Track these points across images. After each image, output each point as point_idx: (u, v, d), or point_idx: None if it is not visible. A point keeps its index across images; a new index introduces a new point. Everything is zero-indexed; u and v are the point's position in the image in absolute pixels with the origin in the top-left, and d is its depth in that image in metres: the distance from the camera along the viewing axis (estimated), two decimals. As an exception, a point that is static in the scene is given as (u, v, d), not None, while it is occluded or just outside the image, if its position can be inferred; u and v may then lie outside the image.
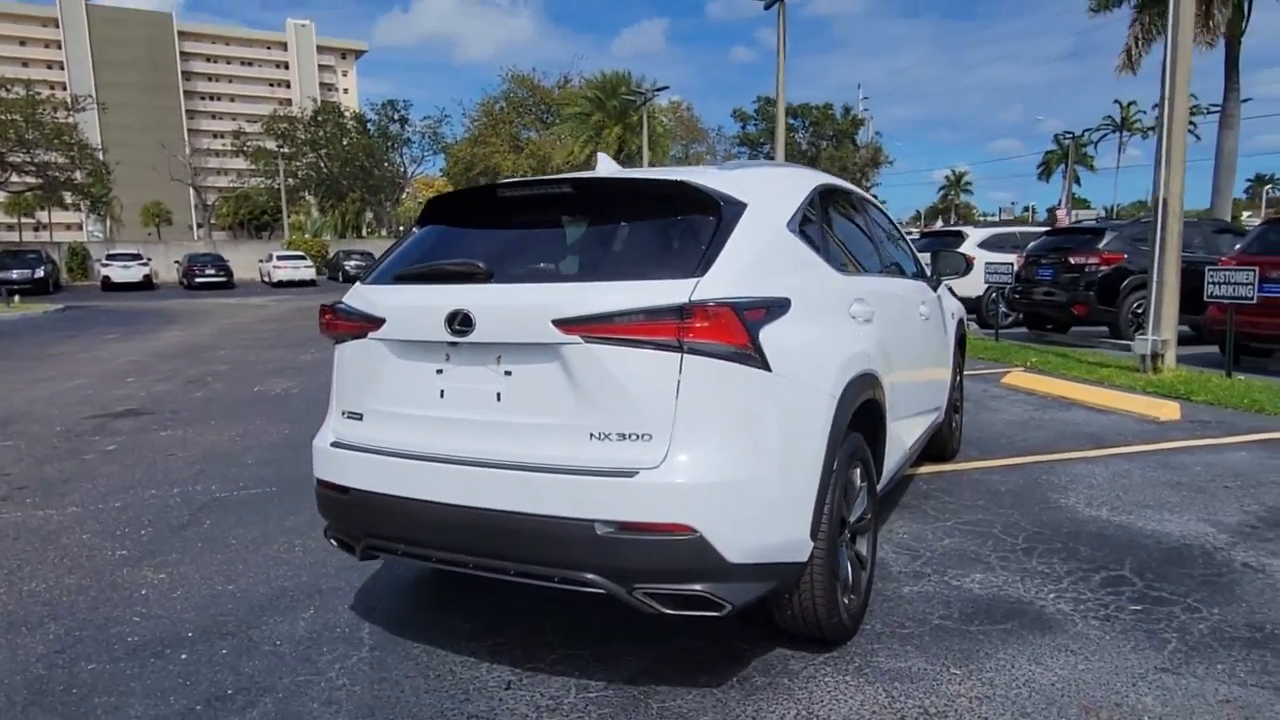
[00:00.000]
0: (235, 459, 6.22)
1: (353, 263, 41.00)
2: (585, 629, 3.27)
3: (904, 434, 4.08)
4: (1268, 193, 76.02)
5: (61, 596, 3.75)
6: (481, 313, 2.63)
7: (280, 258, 38.40)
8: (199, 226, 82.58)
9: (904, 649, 3.06)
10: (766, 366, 2.56)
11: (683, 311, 2.45)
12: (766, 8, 20.08)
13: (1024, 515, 4.51)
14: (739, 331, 2.50)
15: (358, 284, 3.18)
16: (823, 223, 3.49)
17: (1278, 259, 8.57)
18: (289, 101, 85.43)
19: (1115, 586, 3.56)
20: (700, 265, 2.58)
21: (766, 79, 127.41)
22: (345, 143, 57.59)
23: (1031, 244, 13.43)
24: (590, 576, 2.51)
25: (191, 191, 67.84)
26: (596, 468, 2.48)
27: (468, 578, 3.79)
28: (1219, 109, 24.59)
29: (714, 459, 2.46)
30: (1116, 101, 69.30)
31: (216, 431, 7.22)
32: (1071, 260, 11.48)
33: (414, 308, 2.82)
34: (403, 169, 61.31)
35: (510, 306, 2.65)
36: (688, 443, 2.45)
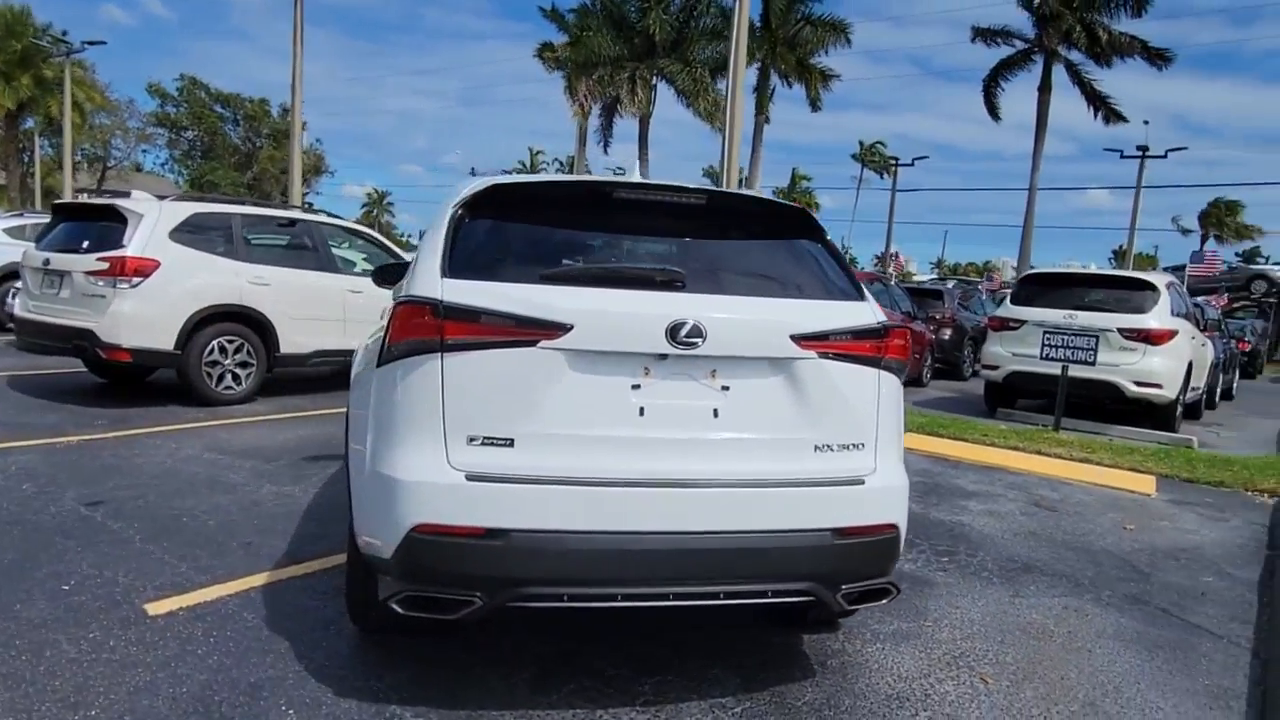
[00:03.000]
0: None
1: None
2: (632, 657, 3.11)
3: None
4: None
5: None
6: (714, 324, 2.46)
7: None
8: None
9: (878, 616, 3.67)
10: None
11: (882, 332, 2.72)
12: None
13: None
14: (907, 350, 2.86)
15: (445, 279, 2.51)
16: None
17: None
18: None
19: (916, 549, 4.70)
20: (855, 289, 2.86)
21: (148, 51, 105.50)
22: None
23: None
24: (806, 585, 2.58)
25: None
26: (830, 478, 2.59)
27: (406, 634, 3.14)
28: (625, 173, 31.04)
29: (898, 463, 2.78)
30: (529, 148, 79.17)
31: None
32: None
33: (621, 315, 2.45)
34: None
35: (746, 320, 2.54)
36: (884, 450, 2.73)
